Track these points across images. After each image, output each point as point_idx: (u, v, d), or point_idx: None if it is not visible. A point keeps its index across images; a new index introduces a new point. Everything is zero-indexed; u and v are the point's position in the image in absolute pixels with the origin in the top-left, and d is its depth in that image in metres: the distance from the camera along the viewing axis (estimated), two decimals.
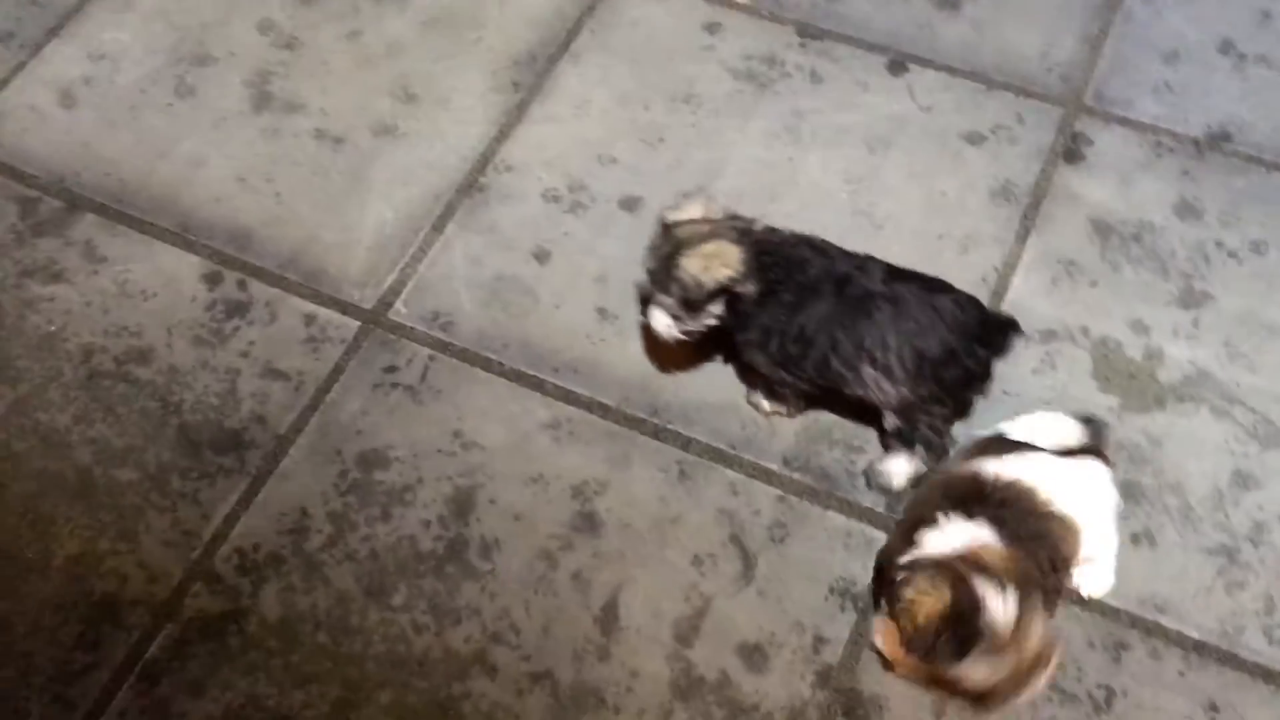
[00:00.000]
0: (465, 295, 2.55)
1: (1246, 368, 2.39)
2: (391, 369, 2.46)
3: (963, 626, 1.80)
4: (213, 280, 2.58)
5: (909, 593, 1.82)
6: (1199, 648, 2.11)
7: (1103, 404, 2.35)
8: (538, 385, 2.43)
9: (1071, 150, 2.71)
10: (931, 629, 1.81)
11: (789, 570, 2.21)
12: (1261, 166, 2.66)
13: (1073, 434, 2.10)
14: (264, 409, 2.41)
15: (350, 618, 2.18)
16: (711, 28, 2.94)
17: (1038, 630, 1.82)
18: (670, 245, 2.12)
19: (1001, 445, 2.05)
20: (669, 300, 2.14)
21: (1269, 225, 2.57)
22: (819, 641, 2.14)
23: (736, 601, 2.19)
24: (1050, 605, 1.93)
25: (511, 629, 2.17)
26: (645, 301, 2.23)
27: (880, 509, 2.27)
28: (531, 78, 2.88)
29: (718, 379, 2.42)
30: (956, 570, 1.82)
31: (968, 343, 2.09)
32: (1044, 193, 2.64)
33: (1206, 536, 2.21)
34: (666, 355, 2.40)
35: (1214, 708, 2.05)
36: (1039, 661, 1.85)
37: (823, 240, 2.20)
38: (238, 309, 2.54)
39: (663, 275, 2.13)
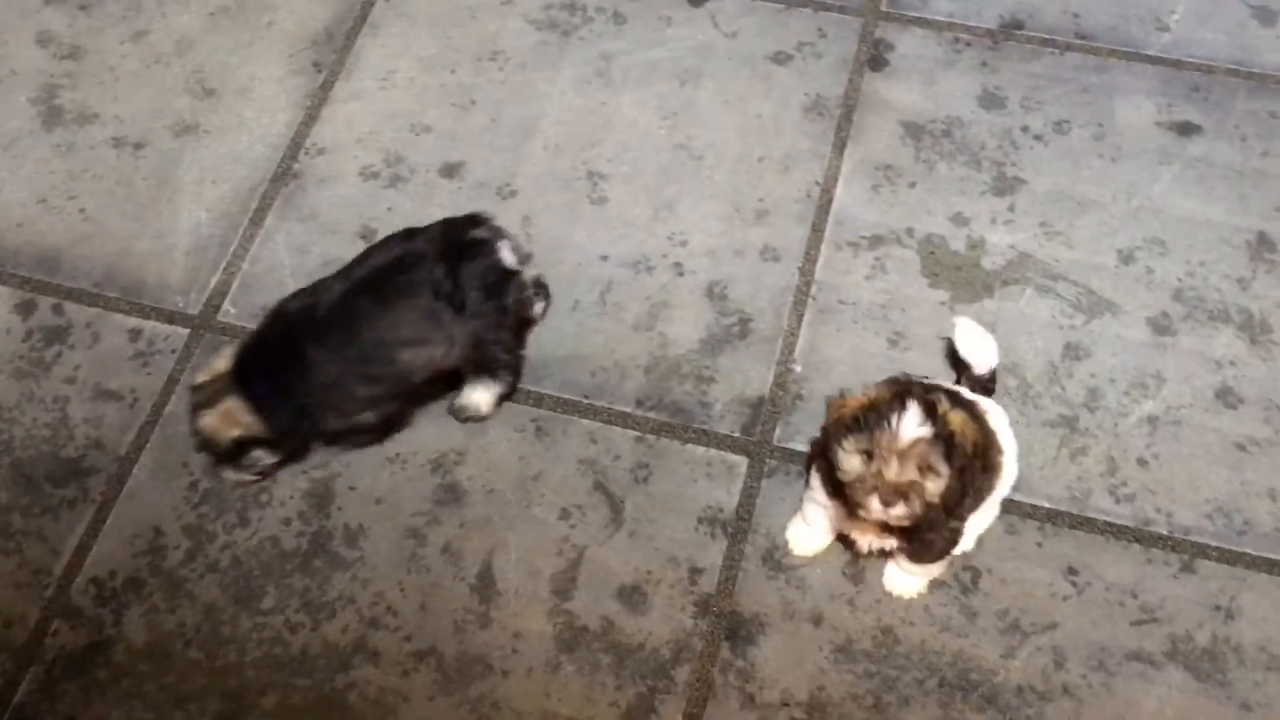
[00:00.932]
0: (294, 286, 2.46)
1: (1064, 244, 2.48)
2: None
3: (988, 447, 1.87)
4: (26, 309, 2.47)
5: (953, 418, 1.78)
6: (1052, 516, 2.20)
7: (934, 299, 2.42)
8: None
9: (875, 57, 2.75)
10: (973, 449, 1.81)
11: (656, 508, 2.23)
12: (1055, 49, 2.75)
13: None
14: (100, 432, 2.32)
15: (221, 629, 2.13)
16: None
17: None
18: (194, 407, 2.17)
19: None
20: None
21: (1068, 104, 2.66)
22: (694, 572, 2.17)
23: (609, 547, 2.20)
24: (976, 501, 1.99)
25: (389, 612, 2.15)
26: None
27: (737, 434, 2.30)
28: (332, 55, 2.81)
29: (561, 333, 2.41)
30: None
31: (452, 273, 2.10)
32: (854, 103, 2.69)
33: (1046, 410, 2.30)
34: None
35: (1072, 571, 2.15)
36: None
37: (285, 300, 2.18)
38: (57, 335, 2.44)
39: (197, 436, 2.19)
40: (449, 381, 2.28)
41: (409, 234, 2.17)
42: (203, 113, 2.73)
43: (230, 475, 2.23)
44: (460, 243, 2.14)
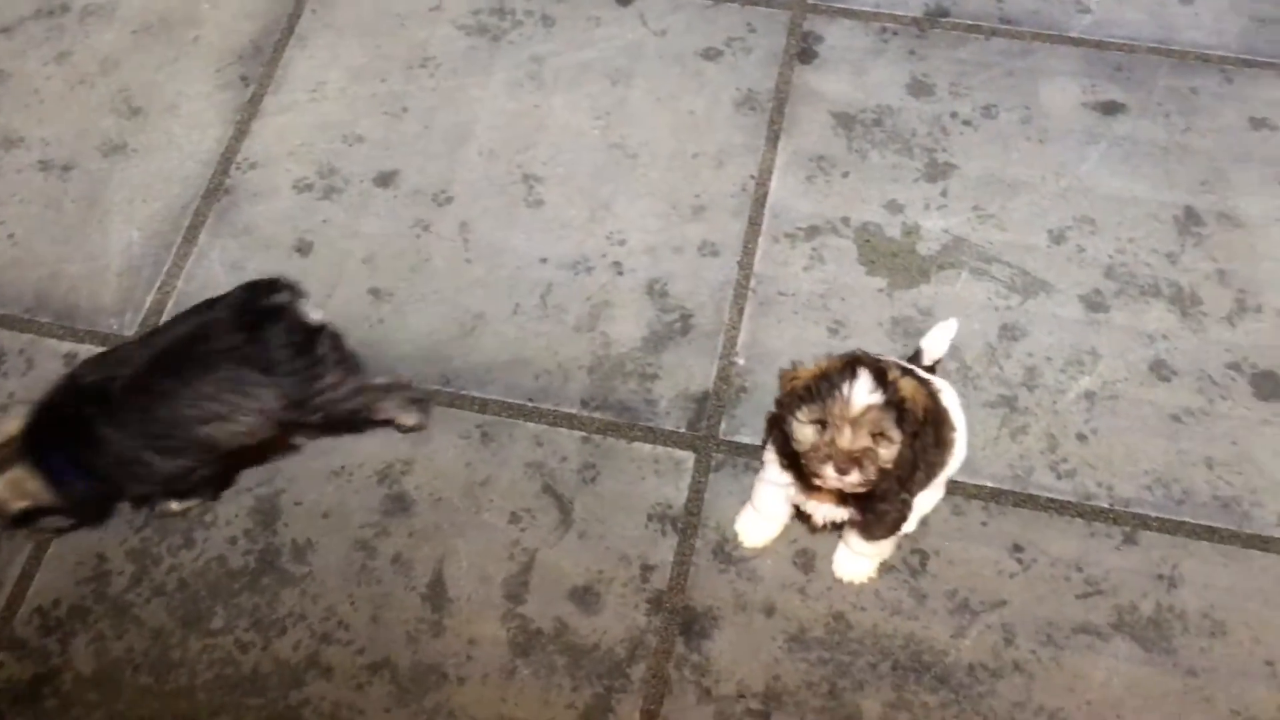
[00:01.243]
0: None
1: (996, 226, 2.51)
2: None
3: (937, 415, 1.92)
4: None
5: (904, 385, 1.80)
6: (996, 496, 2.22)
7: (872, 286, 2.44)
8: None
9: (805, 50, 2.77)
10: (923, 416, 1.82)
11: (605, 507, 2.24)
12: (980, 34, 2.78)
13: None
14: None
15: (170, 652, 2.11)
16: None
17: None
18: None
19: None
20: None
21: (995, 88, 2.69)
22: (646, 569, 2.17)
23: (560, 549, 2.20)
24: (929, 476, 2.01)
25: (340, 626, 2.13)
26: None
27: (683, 429, 2.30)
28: (260, 69, 2.79)
29: (503, 337, 2.41)
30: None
31: (254, 337, 1.99)
32: (785, 95, 2.70)
33: (986, 391, 2.33)
34: None
35: (1018, 548, 2.17)
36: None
37: (81, 367, 2.09)
38: None
39: None
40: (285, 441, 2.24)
41: (210, 304, 2.05)
42: (130, 132, 2.70)
43: (22, 533, 2.14)
44: (260, 308, 2.01)
